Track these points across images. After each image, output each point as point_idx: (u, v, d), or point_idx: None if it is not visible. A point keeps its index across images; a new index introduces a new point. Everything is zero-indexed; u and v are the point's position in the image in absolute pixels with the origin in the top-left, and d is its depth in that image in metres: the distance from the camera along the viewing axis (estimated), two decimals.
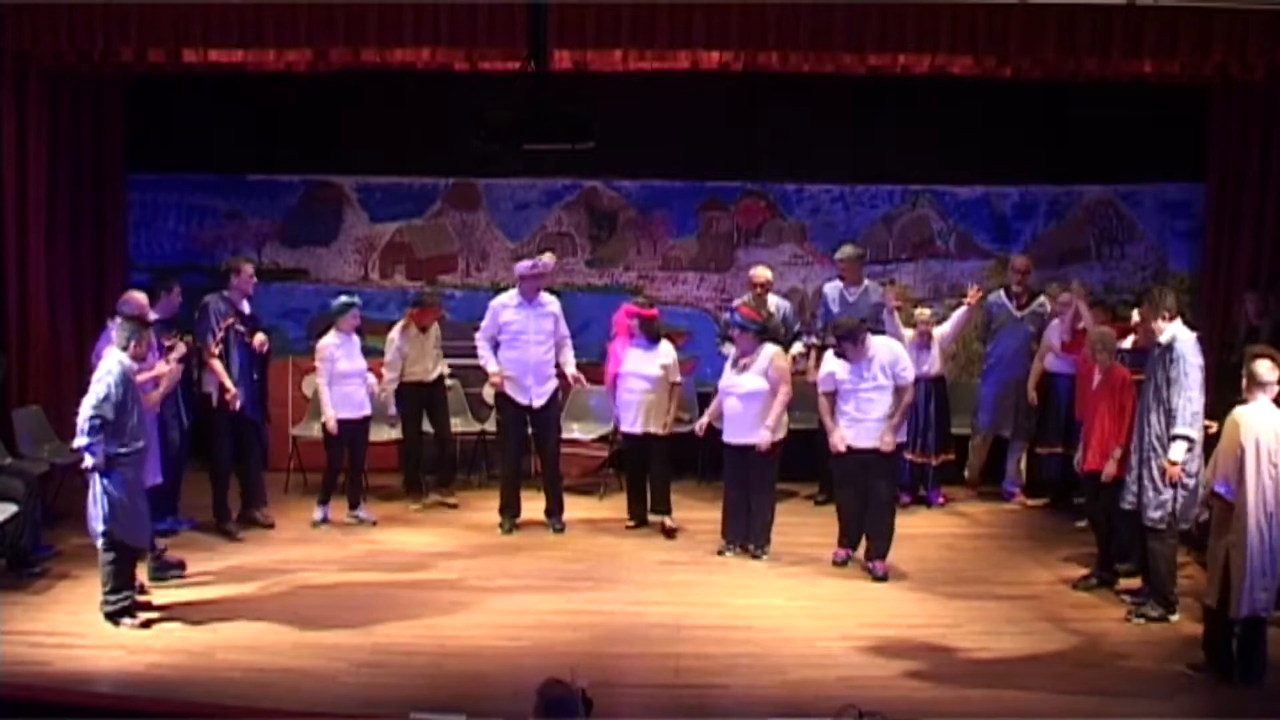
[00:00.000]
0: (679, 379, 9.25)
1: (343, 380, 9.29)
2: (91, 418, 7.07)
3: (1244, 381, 6.79)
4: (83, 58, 9.56)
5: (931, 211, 11.20)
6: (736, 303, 9.44)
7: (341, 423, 9.27)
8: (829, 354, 8.71)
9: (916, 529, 9.52)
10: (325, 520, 9.38)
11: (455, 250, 11.26)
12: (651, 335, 9.17)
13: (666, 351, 9.20)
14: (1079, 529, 9.14)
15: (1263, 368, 6.72)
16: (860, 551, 8.62)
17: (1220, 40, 8.94)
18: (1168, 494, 7.34)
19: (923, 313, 9.97)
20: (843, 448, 8.48)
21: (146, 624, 7.36)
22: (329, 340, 9.33)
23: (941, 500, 10.12)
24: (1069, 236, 11.18)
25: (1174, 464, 7.27)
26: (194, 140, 10.80)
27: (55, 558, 8.37)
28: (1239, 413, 6.73)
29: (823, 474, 9.62)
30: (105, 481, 7.18)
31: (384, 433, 10.08)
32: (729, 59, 9.64)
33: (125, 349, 7.37)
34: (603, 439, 10.40)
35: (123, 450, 7.21)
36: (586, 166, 10.71)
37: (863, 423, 8.41)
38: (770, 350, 8.78)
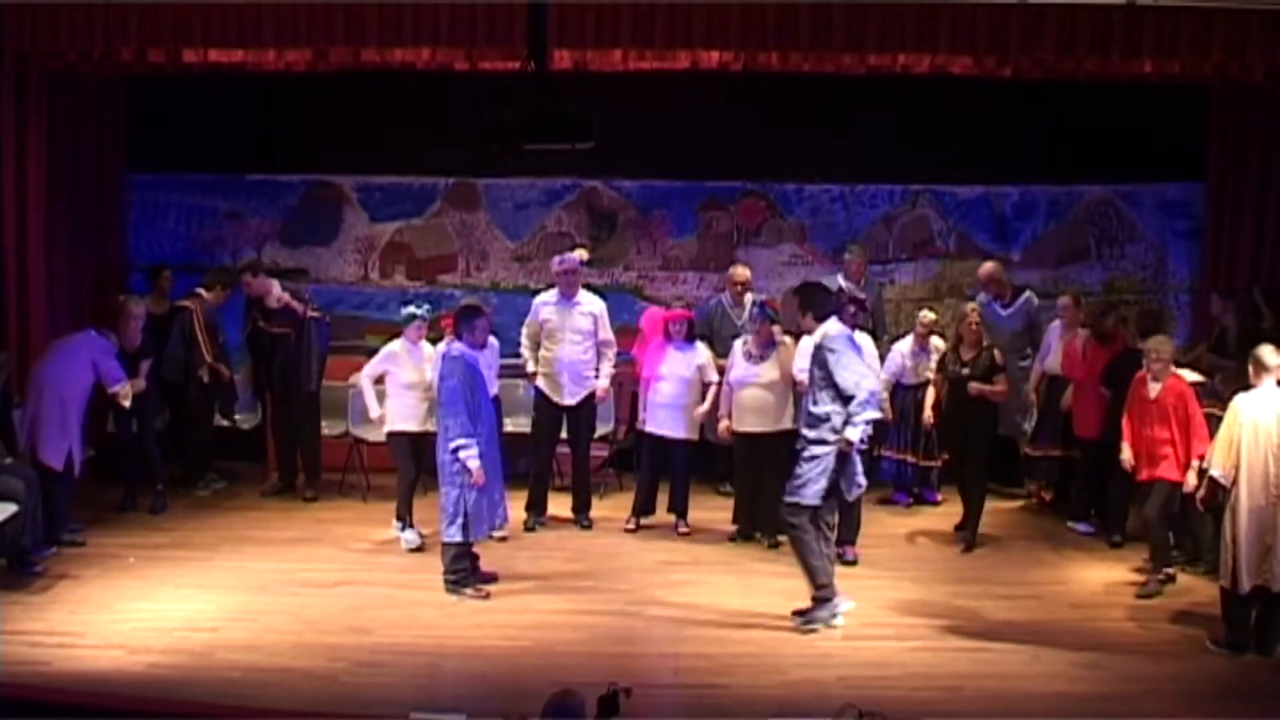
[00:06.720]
0: (714, 378, 9.17)
1: (405, 391, 8.94)
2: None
3: (1250, 368, 7.16)
4: (83, 57, 9.54)
5: (931, 211, 11.19)
6: (762, 296, 9.58)
7: (403, 434, 8.96)
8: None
9: (916, 529, 9.53)
10: (421, 538, 8.88)
11: (455, 250, 11.25)
12: (693, 336, 9.26)
13: (702, 351, 9.27)
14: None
15: (1266, 351, 7.12)
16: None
17: (1220, 40, 8.93)
18: None
19: (926, 315, 9.94)
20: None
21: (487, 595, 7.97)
22: (395, 348, 9.00)
23: (940, 500, 10.12)
24: (1069, 236, 11.17)
25: None
26: (194, 140, 10.78)
27: (55, 558, 8.36)
28: (1238, 399, 7.17)
29: None
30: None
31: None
32: (729, 59, 9.62)
33: (460, 337, 7.86)
34: (603, 439, 10.38)
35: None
36: (586, 166, 10.71)
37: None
38: (789, 341, 8.90)
